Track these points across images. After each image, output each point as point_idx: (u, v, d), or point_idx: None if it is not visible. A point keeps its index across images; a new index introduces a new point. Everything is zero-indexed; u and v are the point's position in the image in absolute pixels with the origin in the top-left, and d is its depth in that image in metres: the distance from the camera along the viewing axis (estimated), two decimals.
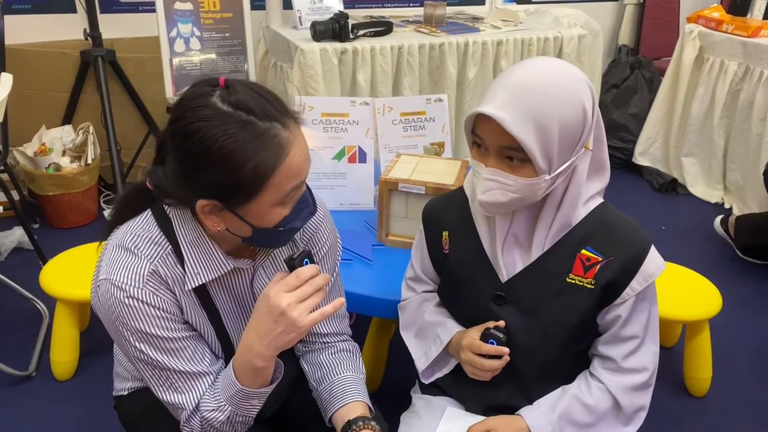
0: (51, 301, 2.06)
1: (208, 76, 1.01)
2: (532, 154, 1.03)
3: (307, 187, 1.09)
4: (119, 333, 1.05)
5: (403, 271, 1.46)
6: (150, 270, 1.04)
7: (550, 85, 1.04)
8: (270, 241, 1.09)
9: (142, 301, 1.02)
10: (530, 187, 1.07)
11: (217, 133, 0.93)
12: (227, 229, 1.04)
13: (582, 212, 1.17)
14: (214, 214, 1.02)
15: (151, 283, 1.04)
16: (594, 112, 1.09)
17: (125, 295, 1.02)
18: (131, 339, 1.04)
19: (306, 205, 1.07)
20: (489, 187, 1.09)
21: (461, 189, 1.30)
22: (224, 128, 0.93)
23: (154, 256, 1.05)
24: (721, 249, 2.98)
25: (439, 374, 1.34)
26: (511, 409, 1.24)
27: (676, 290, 2.01)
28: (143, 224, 1.08)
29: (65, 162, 2.90)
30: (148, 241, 1.06)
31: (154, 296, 1.04)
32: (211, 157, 0.94)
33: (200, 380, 1.09)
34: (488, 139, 1.07)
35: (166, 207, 1.08)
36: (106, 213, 3.05)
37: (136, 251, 1.05)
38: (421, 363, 1.34)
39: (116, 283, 1.02)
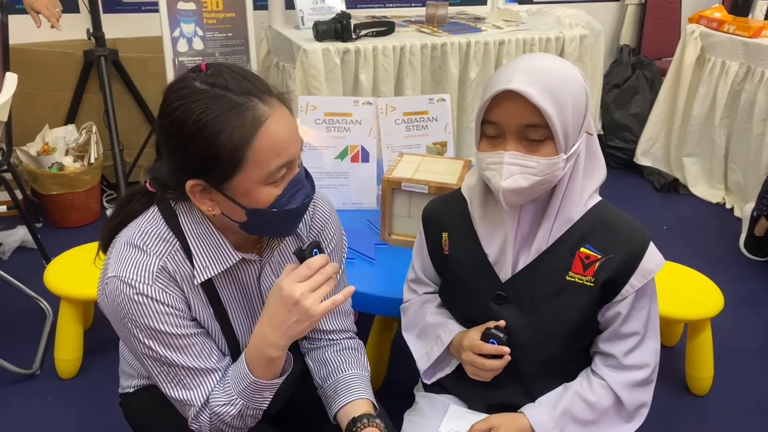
0: (54, 300, 2.07)
1: None
2: (554, 127, 1.06)
3: (307, 172, 1.09)
4: (127, 330, 1.06)
5: (406, 270, 1.47)
6: (159, 266, 1.05)
7: (558, 66, 1.10)
8: (268, 225, 1.07)
9: (152, 298, 1.03)
10: (551, 167, 1.09)
11: (194, 108, 0.96)
12: (223, 213, 1.04)
13: (581, 210, 1.18)
14: (206, 197, 1.03)
15: (160, 280, 1.04)
16: (590, 99, 1.14)
17: (134, 291, 1.02)
18: (140, 336, 1.05)
19: (302, 186, 1.06)
20: (511, 172, 1.09)
21: (460, 190, 1.30)
22: (200, 103, 0.96)
23: (163, 252, 1.06)
24: (723, 248, 2.99)
25: (440, 374, 1.35)
26: (514, 407, 1.25)
27: (678, 289, 2.01)
28: (151, 221, 1.09)
29: (68, 161, 2.91)
30: (156, 238, 1.07)
31: (163, 293, 1.04)
32: (189, 131, 0.96)
33: (208, 376, 1.10)
34: (508, 121, 1.08)
35: (172, 202, 1.09)
36: (109, 212, 3.06)
37: (144, 248, 1.05)
38: (422, 363, 1.35)
39: (125, 279, 1.03)
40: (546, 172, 1.09)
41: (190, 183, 1.01)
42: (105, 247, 1.13)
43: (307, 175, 1.10)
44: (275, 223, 1.07)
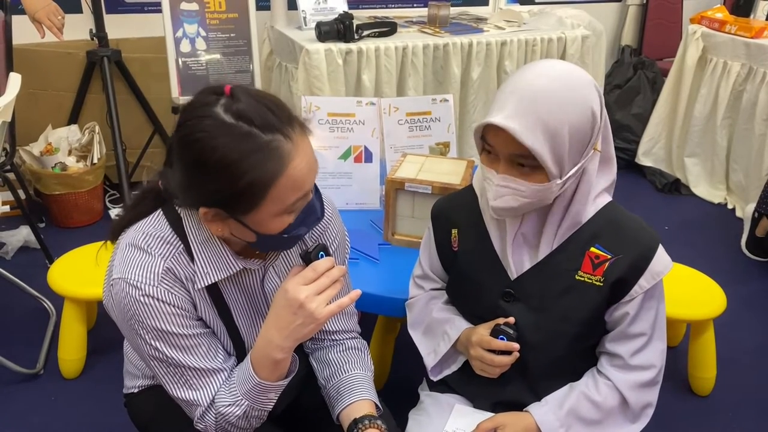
0: (58, 300, 2.08)
1: (216, 79, 1.02)
2: (543, 161, 1.05)
3: (317, 192, 1.08)
4: (134, 331, 1.06)
5: (409, 270, 1.47)
6: (164, 268, 1.05)
7: (559, 90, 1.05)
8: (275, 246, 1.10)
9: (158, 299, 1.03)
10: (542, 193, 1.09)
11: (218, 145, 0.93)
12: (232, 234, 1.05)
13: (591, 210, 1.18)
14: (218, 221, 1.02)
15: (165, 281, 1.05)
16: (602, 114, 1.10)
17: (140, 293, 1.03)
18: (146, 337, 1.05)
19: (312, 212, 1.06)
20: (501, 193, 1.10)
21: (470, 187, 1.31)
22: (224, 140, 0.93)
23: (167, 254, 1.06)
24: (725, 249, 2.99)
25: (447, 371, 1.35)
26: (519, 406, 1.25)
27: (681, 290, 2.02)
28: (155, 224, 1.09)
29: (71, 161, 2.92)
30: (160, 240, 1.07)
31: (169, 294, 1.05)
32: (211, 167, 0.95)
33: (214, 377, 1.10)
34: (499, 148, 1.09)
35: (177, 207, 1.09)
36: (112, 212, 3.07)
37: (149, 250, 1.05)
38: (429, 360, 1.35)
39: (131, 281, 1.03)
40: (536, 196, 1.09)
41: (203, 210, 1.01)
42: (114, 238, 1.13)
43: (317, 191, 1.09)
44: (282, 243, 1.08)
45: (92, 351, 2.09)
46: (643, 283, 1.16)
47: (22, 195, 2.62)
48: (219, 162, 0.94)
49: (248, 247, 1.13)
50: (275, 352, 1.04)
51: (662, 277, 1.17)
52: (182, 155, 0.98)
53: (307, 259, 1.04)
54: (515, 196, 1.10)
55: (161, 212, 1.10)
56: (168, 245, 1.07)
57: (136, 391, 1.32)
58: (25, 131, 2.77)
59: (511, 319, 1.22)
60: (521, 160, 1.07)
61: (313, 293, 1.01)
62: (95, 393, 1.99)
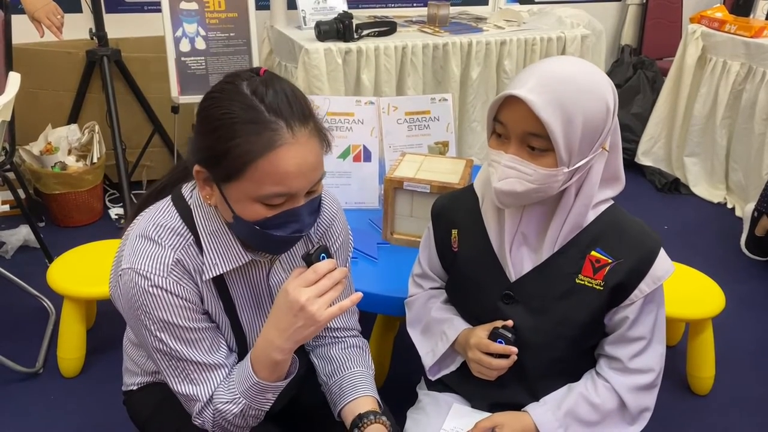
0: (57, 299, 2.08)
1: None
2: (556, 141, 1.05)
3: (315, 210, 1.07)
4: (140, 322, 1.07)
5: (408, 270, 1.47)
6: (174, 259, 1.06)
7: (580, 78, 1.07)
8: (252, 238, 1.06)
9: (166, 290, 1.04)
10: (548, 178, 1.08)
11: (223, 105, 0.98)
12: (216, 206, 1.06)
13: (592, 214, 1.18)
14: (208, 185, 1.04)
15: (174, 273, 1.05)
16: (615, 114, 1.11)
17: (149, 283, 1.03)
18: (152, 328, 1.06)
19: (295, 220, 1.04)
20: (507, 174, 1.10)
21: (471, 187, 1.30)
22: (230, 103, 0.98)
23: (177, 245, 1.07)
24: (724, 248, 3.00)
25: (445, 371, 1.35)
26: (517, 407, 1.25)
27: (679, 289, 2.02)
28: (165, 214, 1.10)
29: (71, 161, 2.92)
30: (170, 231, 1.08)
31: (178, 285, 1.05)
32: (209, 122, 1.00)
33: (215, 372, 1.11)
34: (512, 124, 1.08)
35: (187, 197, 1.11)
36: (112, 212, 3.07)
37: (159, 241, 1.06)
38: (427, 360, 1.35)
39: (140, 271, 1.03)
40: (542, 181, 1.09)
41: (196, 168, 1.03)
42: (154, 196, 1.17)
43: (317, 209, 1.07)
44: (259, 240, 1.06)
45: (91, 350, 2.10)
46: (644, 287, 1.16)
47: (21, 194, 2.62)
48: (217, 119, 0.98)
49: None
50: (275, 353, 1.04)
51: (663, 281, 1.17)
52: (198, 110, 1.04)
53: (309, 260, 1.04)
54: (521, 180, 1.09)
55: (171, 203, 1.11)
56: (178, 236, 1.08)
57: (135, 388, 1.32)
58: (24, 131, 2.78)
59: (510, 322, 1.22)
60: (532, 141, 1.07)
61: (314, 295, 1.01)
62: (94, 392, 1.99)
